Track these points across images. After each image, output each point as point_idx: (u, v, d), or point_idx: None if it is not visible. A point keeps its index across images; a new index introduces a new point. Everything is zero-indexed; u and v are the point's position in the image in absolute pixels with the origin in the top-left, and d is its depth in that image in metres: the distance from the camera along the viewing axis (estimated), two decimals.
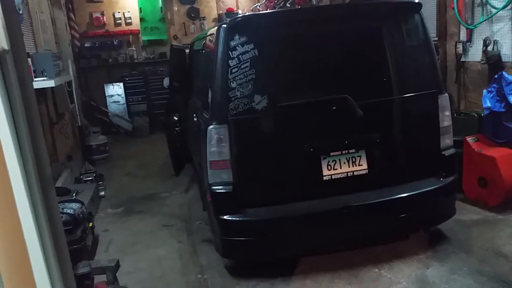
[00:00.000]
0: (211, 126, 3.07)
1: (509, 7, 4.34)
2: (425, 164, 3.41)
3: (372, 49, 3.35)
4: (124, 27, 9.66)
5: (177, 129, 5.35)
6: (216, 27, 3.24)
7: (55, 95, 5.66)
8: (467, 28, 4.90)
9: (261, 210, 3.16)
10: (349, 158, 3.21)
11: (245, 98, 3.05)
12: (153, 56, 9.89)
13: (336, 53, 3.29)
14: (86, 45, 9.42)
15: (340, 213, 3.11)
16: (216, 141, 3.07)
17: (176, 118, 5.43)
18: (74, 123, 6.72)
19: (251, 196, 3.16)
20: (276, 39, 3.19)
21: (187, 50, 5.56)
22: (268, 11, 6.86)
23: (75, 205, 3.69)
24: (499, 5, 4.42)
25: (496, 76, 4.16)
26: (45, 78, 4.39)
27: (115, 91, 9.55)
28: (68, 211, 3.54)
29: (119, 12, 9.59)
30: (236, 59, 3.03)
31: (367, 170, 3.23)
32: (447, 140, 3.41)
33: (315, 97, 3.16)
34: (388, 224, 3.34)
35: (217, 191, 3.13)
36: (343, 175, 3.20)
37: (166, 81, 6.23)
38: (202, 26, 9.94)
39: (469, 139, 4.25)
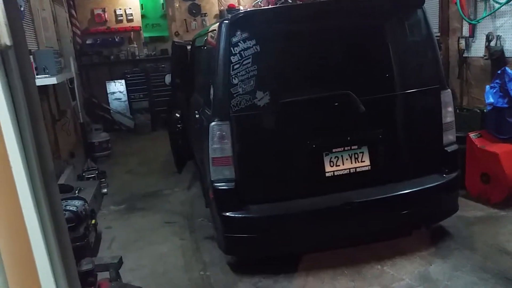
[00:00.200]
0: (213, 123, 3.07)
1: None
2: (427, 160, 3.40)
3: (375, 44, 3.33)
4: (125, 24, 9.65)
5: (179, 126, 5.35)
6: (218, 23, 3.23)
7: (57, 92, 5.66)
8: (469, 23, 4.88)
9: (264, 207, 3.16)
10: (351, 154, 3.20)
11: (247, 94, 3.04)
12: (154, 53, 9.88)
13: (338, 49, 3.28)
14: (87, 42, 9.41)
15: (343, 210, 3.10)
16: (218, 138, 3.07)
17: (178, 115, 5.43)
18: (76, 120, 6.73)
19: (253, 193, 3.16)
20: (278, 35, 3.17)
21: (188, 47, 5.55)
22: (269, 6, 6.84)
23: (77, 202, 3.70)
24: (502, 0, 4.40)
25: (499, 72, 4.14)
26: (47, 75, 4.39)
27: (117, 88, 9.55)
28: (71, 208, 3.54)
29: (120, 9, 9.58)
30: (238, 55, 3.02)
31: (369, 167, 3.22)
32: (449, 136, 3.40)
33: (317, 93, 3.15)
34: (391, 220, 3.33)
35: (220, 187, 3.12)
36: (345, 172, 3.19)
37: (167, 78, 6.22)
38: (204, 22, 9.91)
39: (472, 135, 4.23)
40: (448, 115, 3.36)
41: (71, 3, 8.56)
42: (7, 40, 0.90)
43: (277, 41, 3.17)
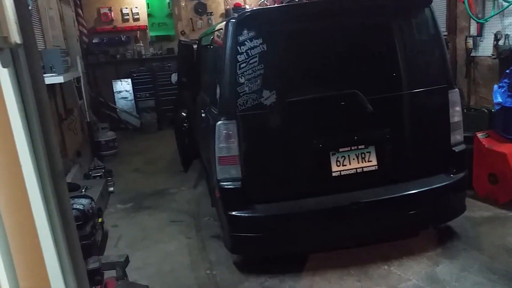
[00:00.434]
0: (219, 122, 3.06)
1: None
2: (435, 160, 3.38)
3: (382, 43, 3.31)
4: (131, 23, 9.68)
5: (185, 125, 5.35)
6: (225, 22, 3.22)
7: (64, 91, 5.68)
8: (477, 22, 4.85)
9: (270, 206, 3.15)
10: (358, 154, 3.19)
11: (254, 93, 3.03)
12: (160, 52, 9.91)
13: (345, 48, 3.26)
14: (94, 41, 9.45)
15: (349, 210, 3.09)
16: (225, 137, 3.07)
17: (184, 114, 5.43)
18: (83, 119, 6.75)
19: (259, 192, 3.16)
20: (284, 34, 3.16)
21: (195, 46, 5.55)
22: (276, 5, 6.82)
23: (84, 201, 3.71)
24: None
25: (507, 71, 4.10)
26: (54, 74, 4.41)
27: (123, 87, 9.58)
28: (78, 206, 3.56)
29: (126, 8, 9.61)
30: (244, 54, 3.01)
31: (376, 166, 3.20)
32: (457, 136, 3.37)
33: (324, 92, 3.14)
34: (398, 220, 3.32)
35: (226, 187, 3.12)
36: (352, 171, 3.18)
37: (174, 77, 6.23)
38: (210, 21, 9.92)
39: (480, 135, 4.20)
40: (456, 114, 3.34)
41: (78, 2, 8.60)
42: (17, 38, 0.90)
43: (283, 40, 3.16)
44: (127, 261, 2.83)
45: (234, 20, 3.09)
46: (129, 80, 9.54)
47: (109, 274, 2.80)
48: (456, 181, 3.33)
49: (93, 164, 6.27)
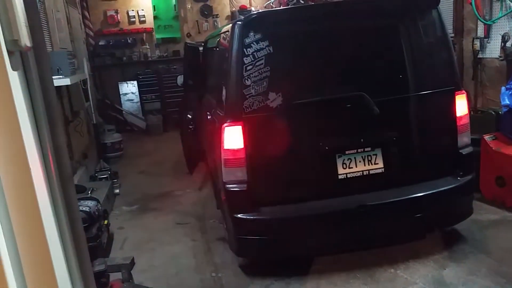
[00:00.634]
0: (225, 124, 3.06)
1: None
2: (442, 162, 3.36)
3: (389, 45, 3.30)
4: (138, 25, 9.72)
5: (191, 127, 5.36)
6: (231, 25, 3.23)
7: (71, 93, 5.71)
8: (485, 24, 4.82)
9: (276, 209, 3.14)
10: (365, 156, 3.18)
11: (260, 95, 3.03)
12: (166, 54, 9.94)
13: (351, 50, 3.25)
14: (100, 43, 9.49)
15: (355, 212, 3.08)
16: (231, 139, 3.06)
17: (190, 116, 5.44)
18: (89, 121, 6.78)
19: (265, 195, 3.15)
20: (291, 36, 3.16)
21: (200, 48, 5.56)
22: (282, 8, 6.83)
23: (90, 203, 3.72)
24: None
25: None
26: (61, 76, 4.43)
27: (129, 89, 9.61)
28: (84, 208, 3.57)
29: (133, 10, 9.65)
30: (251, 56, 3.01)
31: (383, 169, 3.19)
32: (464, 138, 3.35)
33: (331, 94, 3.13)
34: (404, 223, 3.30)
35: (232, 189, 3.12)
36: (358, 174, 3.16)
37: (180, 79, 6.24)
38: (215, 23, 9.94)
39: (487, 137, 4.17)
40: (463, 117, 3.32)
41: (85, 4, 8.65)
42: (27, 41, 0.91)
43: (290, 42, 3.16)
44: (132, 263, 2.84)
45: (240, 23, 3.09)
46: (135, 82, 9.57)
47: (114, 276, 2.80)
48: (463, 184, 3.31)
49: (99, 166, 6.30)
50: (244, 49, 3.01)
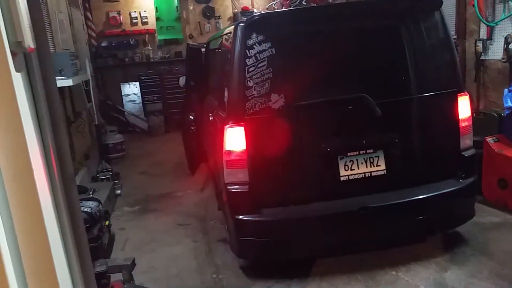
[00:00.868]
0: (227, 126, 3.06)
1: None
2: (444, 165, 3.35)
3: (391, 47, 3.30)
4: (140, 27, 9.74)
5: (192, 128, 5.36)
6: (233, 26, 3.23)
7: (73, 94, 5.72)
8: (487, 26, 4.81)
9: (277, 210, 3.14)
10: (366, 158, 3.17)
11: (262, 97, 3.03)
12: (168, 55, 9.95)
13: (354, 52, 3.25)
14: (102, 44, 9.52)
15: (357, 214, 3.07)
16: (232, 141, 3.06)
17: (191, 117, 5.44)
18: (91, 122, 6.79)
19: (267, 196, 3.14)
20: (293, 38, 3.16)
21: (203, 49, 5.57)
22: (285, 9, 6.83)
23: (92, 204, 3.73)
24: None
25: None
26: (63, 77, 4.44)
27: (131, 90, 9.63)
28: (85, 209, 3.57)
29: (135, 12, 9.67)
30: (253, 57, 3.01)
31: (385, 171, 3.18)
32: (467, 141, 3.35)
33: (333, 96, 3.13)
34: (406, 225, 3.29)
35: (233, 190, 3.12)
36: (360, 176, 3.16)
37: (182, 80, 6.25)
38: (218, 25, 9.96)
39: (489, 139, 4.16)
40: (466, 119, 3.31)
41: (87, 5, 8.68)
42: (31, 43, 0.91)
43: (292, 43, 3.16)
44: (133, 264, 2.84)
45: (243, 24, 3.09)
46: (137, 83, 9.59)
47: (115, 277, 2.81)
48: (465, 186, 3.30)
49: (100, 167, 6.30)
50: (247, 51, 3.01)
